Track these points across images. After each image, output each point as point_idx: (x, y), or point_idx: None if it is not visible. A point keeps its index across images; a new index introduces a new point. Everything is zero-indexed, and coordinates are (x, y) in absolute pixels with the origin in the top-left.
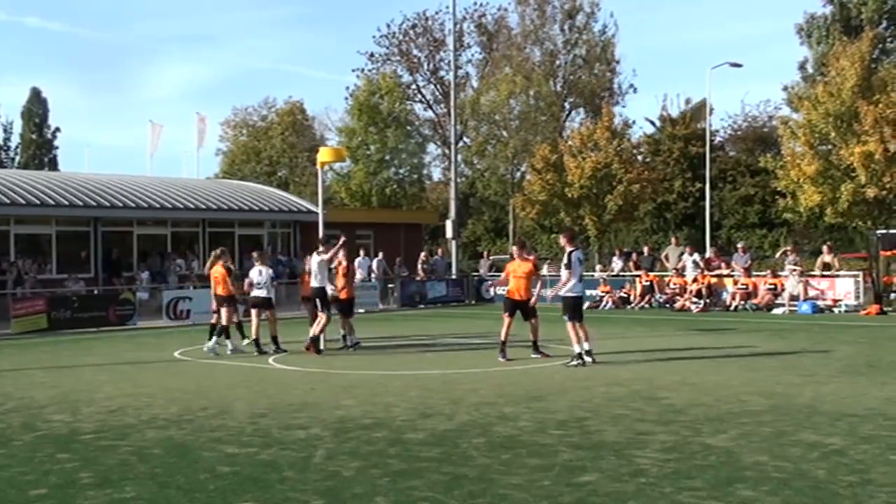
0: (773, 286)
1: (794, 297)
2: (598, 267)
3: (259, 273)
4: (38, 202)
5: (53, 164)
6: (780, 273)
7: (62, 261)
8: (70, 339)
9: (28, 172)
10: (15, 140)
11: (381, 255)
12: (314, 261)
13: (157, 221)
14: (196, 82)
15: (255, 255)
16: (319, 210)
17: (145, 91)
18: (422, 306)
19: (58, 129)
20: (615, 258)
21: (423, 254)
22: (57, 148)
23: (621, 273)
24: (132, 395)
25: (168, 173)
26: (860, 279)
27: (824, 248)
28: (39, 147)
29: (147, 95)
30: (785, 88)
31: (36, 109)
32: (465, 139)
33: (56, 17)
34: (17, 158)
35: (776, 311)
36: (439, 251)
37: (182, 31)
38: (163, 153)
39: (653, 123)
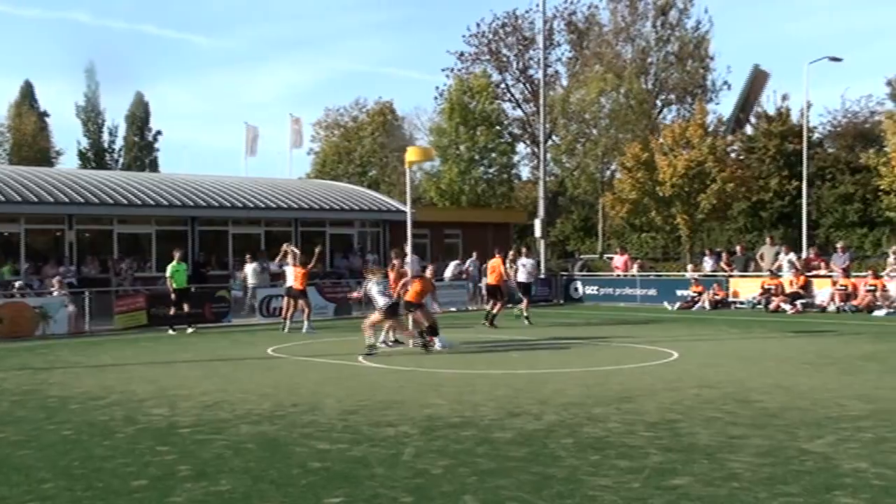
0: (873, 287)
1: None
2: (689, 266)
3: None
4: (139, 202)
5: (154, 166)
6: (881, 274)
7: (161, 259)
8: (168, 335)
9: (130, 174)
10: (119, 143)
11: (474, 255)
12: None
13: (251, 221)
14: (291, 85)
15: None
16: (408, 209)
17: (243, 94)
18: (510, 306)
19: (159, 132)
20: (706, 258)
21: (511, 252)
22: (158, 150)
23: (712, 273)
24: (227, 390)
25: (262, 174)
26: None
27: None
28: (141, 149)
29: (245, 98)
30: (889, 83)
31: (139, 113)
32: (554, 138)
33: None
34: (121, 160)
35: (877, 313)
36: (524, 250)
37: (278, 37)
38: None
39: (748, 121)
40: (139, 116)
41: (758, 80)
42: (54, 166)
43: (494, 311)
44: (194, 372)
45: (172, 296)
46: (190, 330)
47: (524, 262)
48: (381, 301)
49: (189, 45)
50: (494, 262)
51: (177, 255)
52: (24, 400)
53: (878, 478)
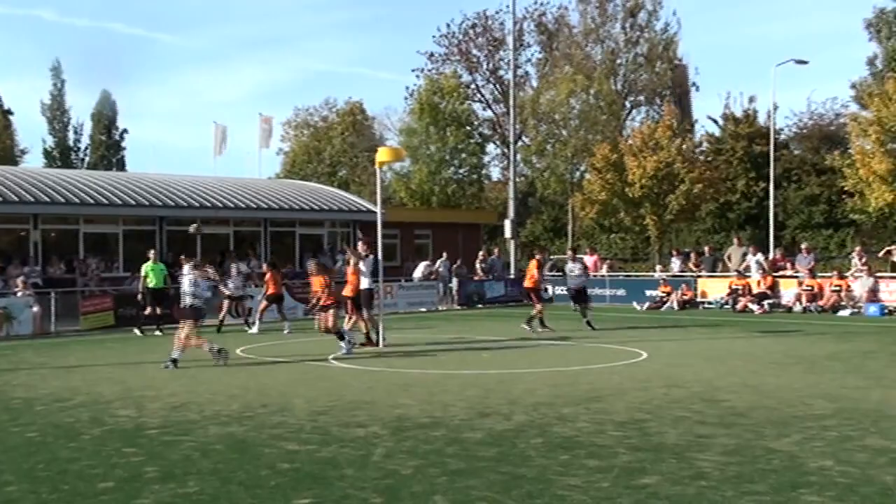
0: (838, 287)
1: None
2: (658, 267)
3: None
4: (106, 202)
5: (121, 165)
6: (846, 274)
7: (128, 259)
8: (135, 335)
9: (96, 173)
10: (85, 141)
11: (444, 255)
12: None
13: (219, 221)
14: (260, 84)
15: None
16: (378, 210)
17: (212, 93)
18: (480, 306)
19: (125, 131)
20: (673, 258)
21: (480, 253)
22: (125, 149)
23: (680, 273)
24: (195, 391)
25: (231, 173)
26: None
27: (893, 248)
28: (108, 148)
29: (213, 97)
30: (853, 86)
31: (105, 112)
32: (524, 138)
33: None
34: (87, 159)
35: (842, 313)
36: (496, 251)
37: (247, 36)
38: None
39: (715, 122)
40: (106, 115)
41: (678, 74)
42: (19, 165)
43: (533, 313)
44: (162, 373)
45: (141, 296)
46: (157, 332)
47: (571, 268)
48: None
49: (157, 43)
50: (530, 265)
51: (152, 254)
52: None
53: (843, 475)
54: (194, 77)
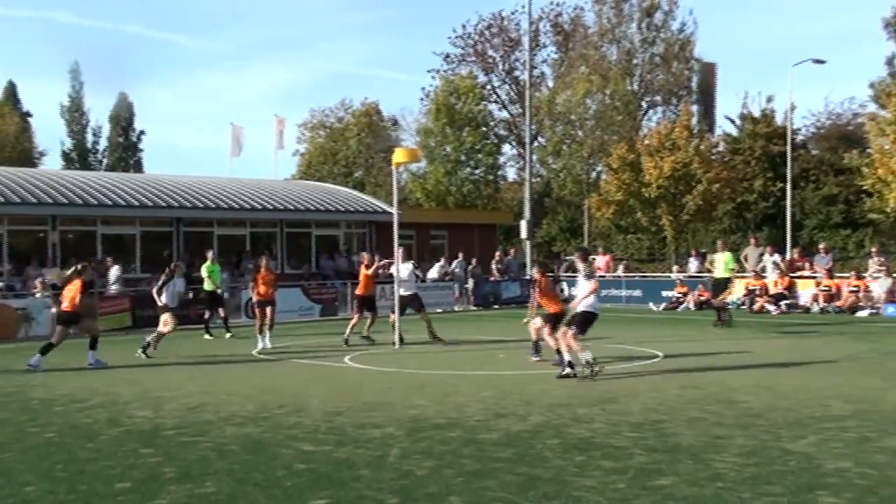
0: (856, 288)
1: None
2: (674, 268)
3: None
4: (123, 203)
5: (138, 166)
6: (864, 275)
7: (146, 260)
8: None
9: (114, 174)
10: (103, 143)
11: (460, 256)
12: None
13: (236, 222)
14: (276, 86)
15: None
16: (394, 210)
17: (228, 94)
18: (496, 306)
19: (143, 132)
20: (691, 258)
21: (497, 254)
22: (142, 150)
23: (697, 274)
24: (211, 392)
25: (247, 175)
26: None
27: None
28: (125, 150)
29: (229, 99)
30: (872, 85)
31: (123, 113)
32: (539, 139)
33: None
34: (105, 161)
35: (860, 313)
36: (512, 251)
37: (264, 38)
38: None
39: (733, 122)
40: (123, 117)
41: (708, 73)
42: (37, 167)
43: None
44: (178, 374)
45: (207, 297)
46: (207, 336)
47: (404, 271)
48: None
49: (174, 45)
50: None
51: (210, 254)
52: (6, 402)
53: (861, 477)
54: (211, 79)
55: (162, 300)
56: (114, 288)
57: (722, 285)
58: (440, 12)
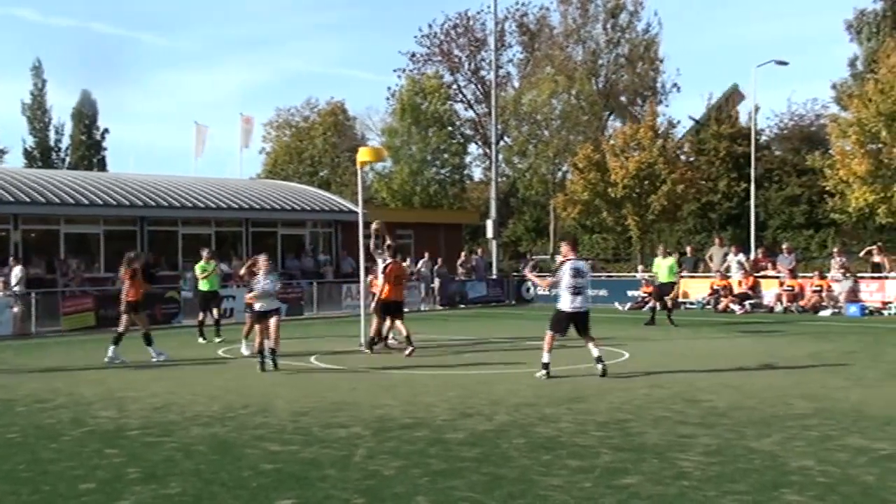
0: (819, 288)
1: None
2: (640, 268)
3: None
4: (86, 202)
5: (102, 165)
6: (826, 275)
7: (110, 260)
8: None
9: (77, 173)
10: (65, 141)
11: (426, 255)
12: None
13: (201, 221)
14: (242, 84)
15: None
16: (359, 210)
17: (193, 93)
18: (462, 306)
19: (107, 131)
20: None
21: (462, 254)
22: (105, 149)
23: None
24: (176, 392)
25: (212, 174)
26: None
27: (874, 248)
28: (89, 148)
29: (194, 97)
30: (834, 86)
31: (86, 111)
32: (506, 139)
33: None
34: (68, 159)
35: (823, 313)
36: (479, 251)
37: (230, 37)
38: (209, 154)
39: (697, 122)
40: (86, 115)
41: (733, 98)
42: None
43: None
44: (143, 374)
45: (200, 299)
46: (201, 340)
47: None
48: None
49: (139, 43)
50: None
51: (205, 253)
52: None
53: (824, 475)
54: (176, 77)
55: (252, 302)
56: (16, 289)
57: (668, 289)
58: (407, 12)
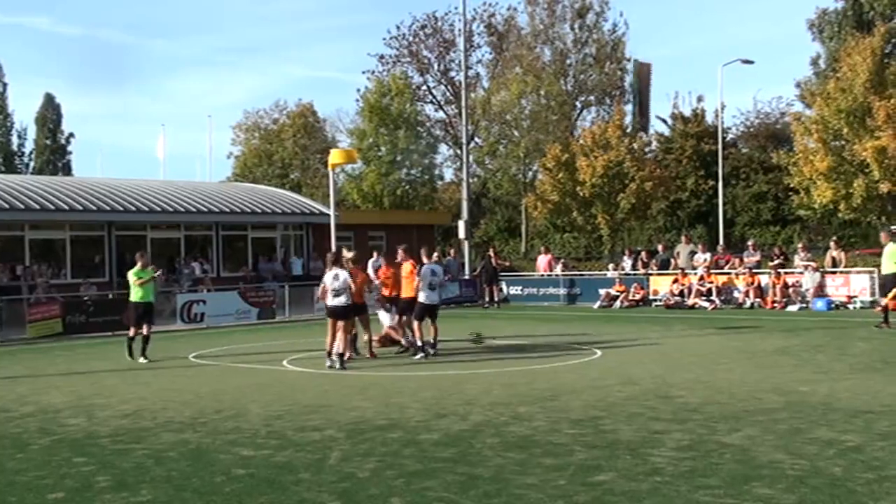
0: (785, 283)
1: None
2: (610, 266)
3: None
4: (52, 207)
5: (67, 170)
6: (792, 270)
7: (76, 265)
8: (85, 343)
9: (42, 178)
10: (29, 146)
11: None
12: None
13: (170, 225)
14: (210, 87)
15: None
16: (331, 212)
17: (162, 96)
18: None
19: (72, 135)
20: (625, 258)
21: (434, 254)
22: (71, 153)
23: (632, 272)
24: (147, 398)
25: (180, 177)
26: (875, 275)
27: (832, 243)
28: (53, 152)
29: (163, 100)
30: (798, 85)
31: (50, 115)
32: (476, 139)
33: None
34: (32, 164)
35: (790, 308)
36: (451, 252)
37: (198, 40)
38: (175, 157)
39: (664, 122)
40: (50, 118)
41: (643, 72)
42: None
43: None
44: (113, 380)
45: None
46: (143, 360)
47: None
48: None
49: (105, 46)
50: None
51: (140, 256)
52: None
53: (794, 468)
54: (143, 80)
55: (328, 300)
56: None
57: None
58: (375, 14)
